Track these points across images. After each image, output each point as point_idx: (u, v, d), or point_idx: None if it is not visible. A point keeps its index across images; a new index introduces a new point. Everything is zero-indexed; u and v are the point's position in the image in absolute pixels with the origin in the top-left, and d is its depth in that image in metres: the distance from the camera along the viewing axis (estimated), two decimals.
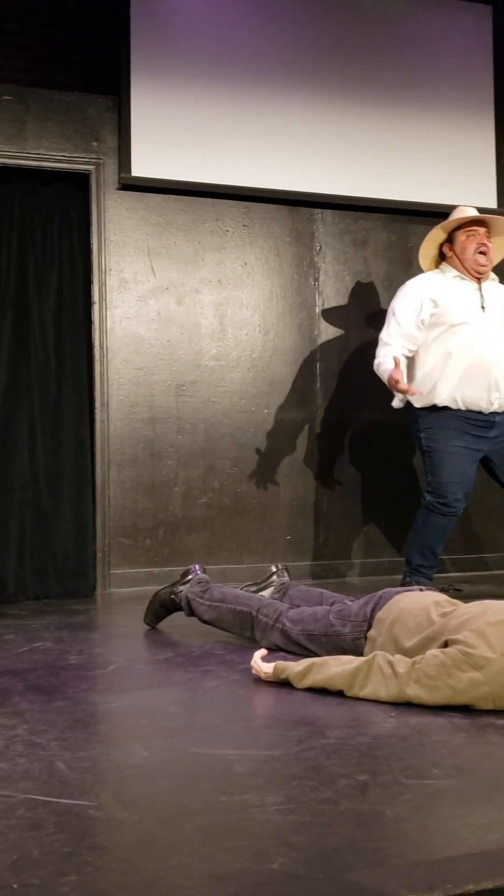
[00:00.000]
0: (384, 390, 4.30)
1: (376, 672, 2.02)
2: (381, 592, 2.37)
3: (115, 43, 3.90)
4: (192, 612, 2.78)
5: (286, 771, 1.60)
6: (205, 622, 2.75)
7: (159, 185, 3.97)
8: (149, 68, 3.91)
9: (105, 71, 3.93)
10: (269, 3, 4.12)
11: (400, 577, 3.58)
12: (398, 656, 2.05)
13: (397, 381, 3.22)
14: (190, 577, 2.87)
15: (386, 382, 3.33)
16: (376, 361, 3.42)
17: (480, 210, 3.68)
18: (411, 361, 3.48)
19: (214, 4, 4.04)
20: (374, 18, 4.27)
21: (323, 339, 4.27)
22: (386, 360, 3.33)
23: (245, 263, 4.15)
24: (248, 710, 2.05)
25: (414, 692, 1.96)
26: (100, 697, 2.18)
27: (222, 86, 4.04)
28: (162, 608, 2.91)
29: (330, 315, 4.29)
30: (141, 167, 3.92)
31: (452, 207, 4.39)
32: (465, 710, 1.92)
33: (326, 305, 4.28)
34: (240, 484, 4.10)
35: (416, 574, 3.49)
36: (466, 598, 2.97)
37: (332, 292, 4.29)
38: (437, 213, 4.38)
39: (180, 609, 2.84)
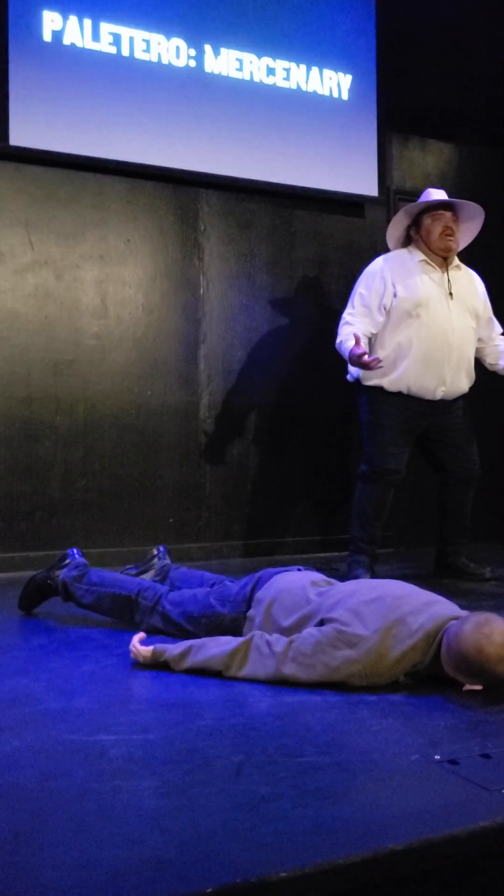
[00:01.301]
0: (267, 374, 4.35)
1: (254, 652, 2.03)
2: (259, 573, 2.39)
3: None
4: (69, 597, 2.71)
5: (161, 754, 1.59)
6: (83, 607, 2.69)
7: (39, 156, 3.82)
8: (29, 32, 3.75)
9: None
10: None
11: (280, 557, 3.62)
12: (276, 636, 2.07)
13: (360, 356, 3.21)
14: (67, 561, 2.79)
15: (348, 360, 3.33)
16: (338, 340, 3.42)
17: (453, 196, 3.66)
18: (372, 343, 3.49)
19: None
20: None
21: (207, 320, 4.24)
22: (347, 339, 3.33)
23: (128, 240, 4.06)
24: (125, 694, 2.02)
25: (290, 671, 1.98)
26: None
27: (106, 58, 3.92)
28: (37, 593, 2.83)
29: (214, 297, 4.26)
30: (19, 136, 3.76)
31: (335, 193, 4.47)
32: (339, 687, 1.96)
33: (211, 287, 4.25)
34: (121, 466, 4.03)
35: (354, 547, 3.54)
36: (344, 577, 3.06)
37: (217, 273, 4.27)
38: (320, 199, 4.45)
39: (57, 594, 2.76)
